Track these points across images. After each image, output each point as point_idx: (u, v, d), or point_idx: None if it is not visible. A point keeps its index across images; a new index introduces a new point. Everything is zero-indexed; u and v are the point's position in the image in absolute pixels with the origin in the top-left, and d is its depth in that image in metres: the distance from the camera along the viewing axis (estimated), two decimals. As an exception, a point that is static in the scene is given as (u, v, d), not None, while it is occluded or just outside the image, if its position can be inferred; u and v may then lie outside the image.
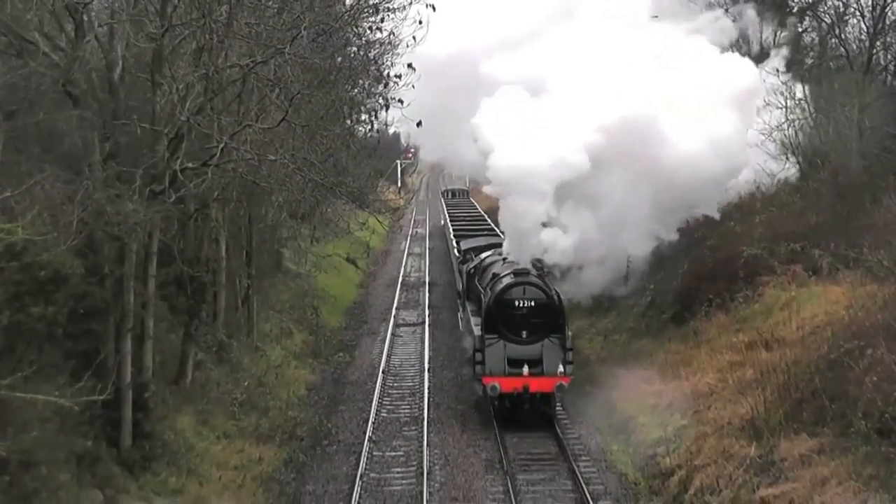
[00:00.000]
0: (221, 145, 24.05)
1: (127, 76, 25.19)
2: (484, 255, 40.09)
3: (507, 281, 32.62)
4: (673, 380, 31.42)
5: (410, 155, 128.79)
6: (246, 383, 32.73)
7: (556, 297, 32.16)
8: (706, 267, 37.13)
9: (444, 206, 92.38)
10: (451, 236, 60.94)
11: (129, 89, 25.67)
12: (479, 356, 31.76)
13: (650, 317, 39.71)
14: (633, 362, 35.36)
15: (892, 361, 22.47)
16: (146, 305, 25.92)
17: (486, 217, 69.66)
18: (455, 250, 52.10)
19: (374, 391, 35.90)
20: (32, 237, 18.63)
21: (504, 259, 35.57)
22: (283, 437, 30.03)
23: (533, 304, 31.71)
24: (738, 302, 33.93)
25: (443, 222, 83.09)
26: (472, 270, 39.57)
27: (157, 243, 26.29)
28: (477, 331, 32.55)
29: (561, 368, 31.08)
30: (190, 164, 24.70)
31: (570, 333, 32.34)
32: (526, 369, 31.03)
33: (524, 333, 31.65)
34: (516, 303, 31.76)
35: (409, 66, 29.73)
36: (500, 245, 38.81)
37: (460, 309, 43.01)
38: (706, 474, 24.66)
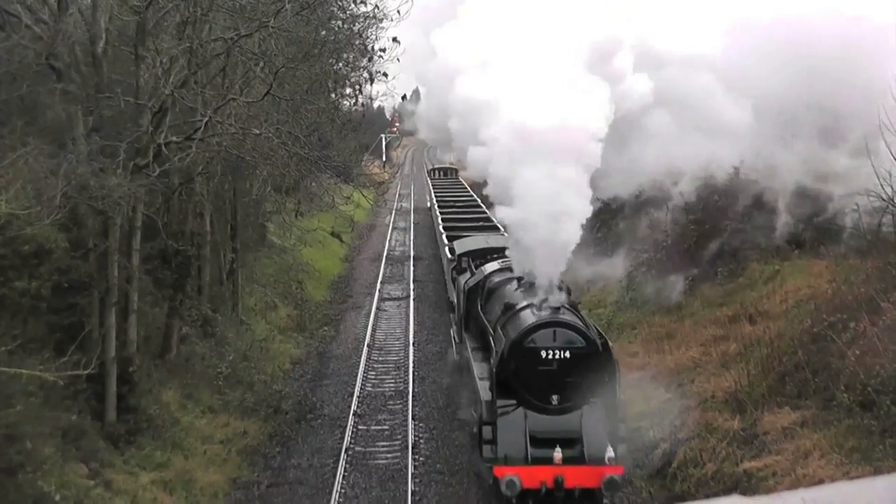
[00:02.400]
0: (206, 119, 24.04)
1: (110, 49, 25.08)
2: (489, 267, 30.04)
3: (528, 320, 22.85)
4: (657, 353, 31.49)
5: (395, 129, 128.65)
6: (231, 357, 32.70)
7: (599, 343, 22.57)
8: (690, 240, 37.14)
9: (431, 187, 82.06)
10: (441, 229, 52.61)
11: (113, 63, 25.57)
12: (487, 432, 22.02)
13: (634, 290, 39.78)
14: (617, 336, 35.46)
15: (875, 335, 22.59)
16: (130, 279, 25.89)
17: (479, 202, 62.93)
18: (446, 250, 43.22)
19: (358, 365, 35.90)
20: (16, 211, 18.58)
21: (519, 280, 25.97)
22: (268, 411, 30.06)
23: (568, 355, 22.10)
24: (723, 276, 34.01)
25: (429, 205, 76.34)
26: (473, 287, 29.67)
27: (142, 217, 26.23)
28: (483, 391, 22.96)
29: (610, 452, 21.47)
30: (174, 138, 24.67)
31: (622, 397, 22.52)
32: (558, 453, 21.51)
33: (555, 398, 22.13)
34: (543, 353, 22.12)
35: (394, 39, 29.74)
36: (505, 251, 30.24)
37: (453, 328, 34.29)
38: (690, 447, 24.77)
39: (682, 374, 29.23)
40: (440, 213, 60.12)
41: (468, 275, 31.74)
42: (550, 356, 22.07)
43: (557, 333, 22.25)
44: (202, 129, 24.25)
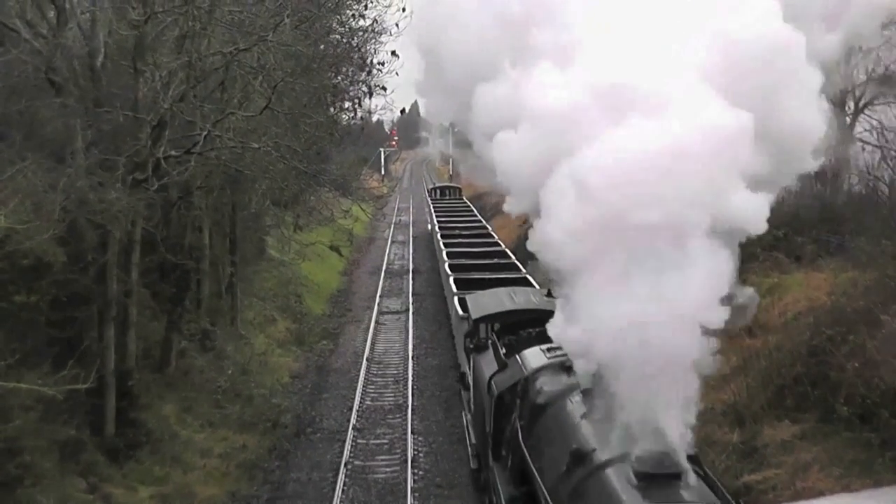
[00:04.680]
0: (204, 133, 24.05)
1: (109, 63, 25.08)
2: (531, 360, 19.54)
3: (616, 483, 13.33)
4: (656, 366, 31.35)
5: (394, 143, 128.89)
6: (230, 371, 32.66)
7: None
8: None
9: (432, 210, 70.69)
10: (447, 269, 43.33)
11: (112, 77, 25.57)
12: None
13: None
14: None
15: (874, 347, 22.55)
16: (129, 293, 25.88)
17: (490, 230, 56.46)
18: (455, 300, 34.96)
19: (357, 379, 35.84)
20: (15, 225, 18.57)
21: (585, 393, 16.01)
22: (267, 425, 29.98)
23: None
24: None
25: (429, 227, 68.79)
26: (508, 393, 19.45)
27: (140, 231, 26.23)
28: None
29: None
30: (173, 152, 24.66)
31: None
32: None
33: None
34: None
35: (393, 53, 29.76)
36: (545, 314, 18.27)
37: (466, 415, 27.67)
38: (689, 461, 24.69)
39: (681, 387, 29.12)
40: (444, 245, 50.27)
41: (491, 358, 22.42)
42: None
43: None
44: (201, 142, 24.26)
